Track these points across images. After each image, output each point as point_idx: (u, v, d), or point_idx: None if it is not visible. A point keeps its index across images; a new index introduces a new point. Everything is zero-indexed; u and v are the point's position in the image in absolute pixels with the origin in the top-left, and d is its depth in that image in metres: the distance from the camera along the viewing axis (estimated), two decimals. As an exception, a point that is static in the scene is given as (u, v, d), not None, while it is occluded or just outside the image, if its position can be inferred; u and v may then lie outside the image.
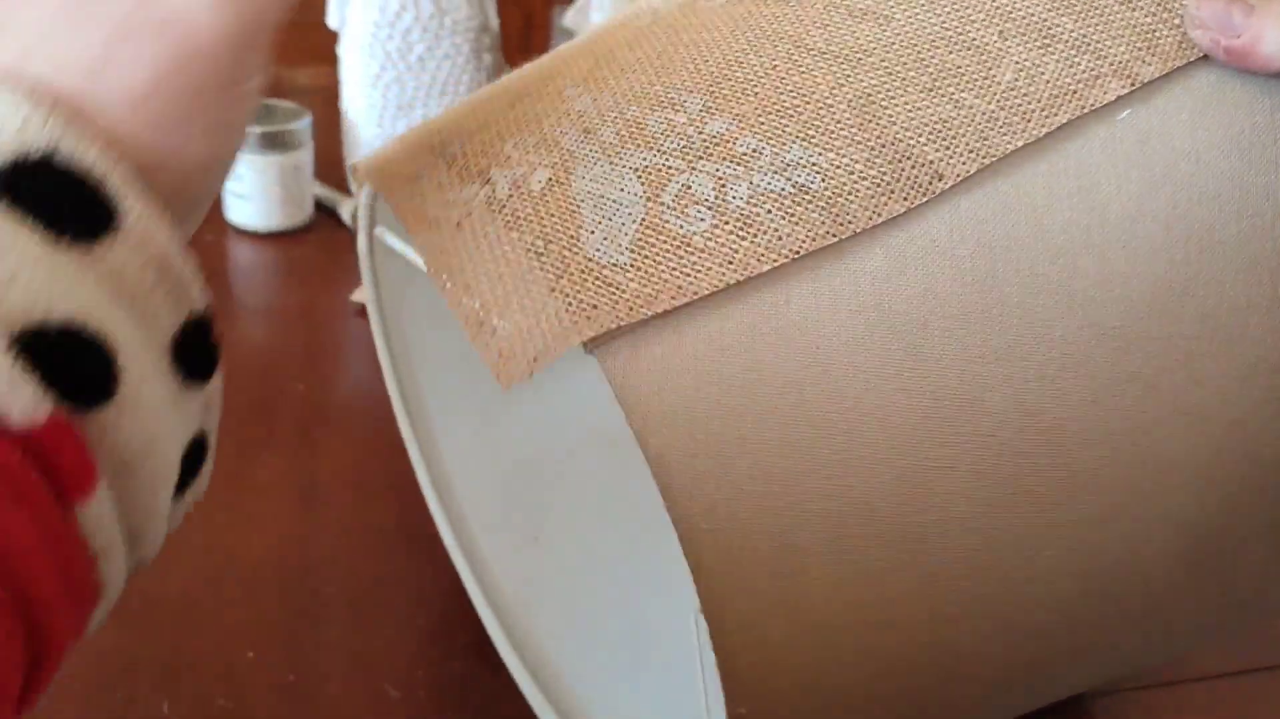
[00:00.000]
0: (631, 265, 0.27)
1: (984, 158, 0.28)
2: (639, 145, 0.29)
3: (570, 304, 0.26)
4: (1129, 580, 0.30)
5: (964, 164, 0.28)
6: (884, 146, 0.28)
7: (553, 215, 0.28)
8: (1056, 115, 0.28)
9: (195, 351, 0.23)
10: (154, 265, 0.22)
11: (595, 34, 0.34)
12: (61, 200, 0.20)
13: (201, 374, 0.24)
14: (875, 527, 0.27)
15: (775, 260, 0.27)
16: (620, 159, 0.28)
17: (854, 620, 0.28)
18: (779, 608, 0.27)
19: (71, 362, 0.19)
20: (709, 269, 0.26)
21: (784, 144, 0.28)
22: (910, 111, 0.28)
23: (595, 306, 0.26)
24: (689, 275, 0.26)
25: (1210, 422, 0.29)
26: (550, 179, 0.28)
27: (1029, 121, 0.28)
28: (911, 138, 0.28)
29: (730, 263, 0.27)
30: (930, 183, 0.28)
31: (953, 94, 0.29)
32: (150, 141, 0.22)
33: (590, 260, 0.27)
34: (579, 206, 0.28)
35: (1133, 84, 0.29)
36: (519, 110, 0.31)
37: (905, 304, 0.27)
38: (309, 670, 0.44)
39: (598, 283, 0.26)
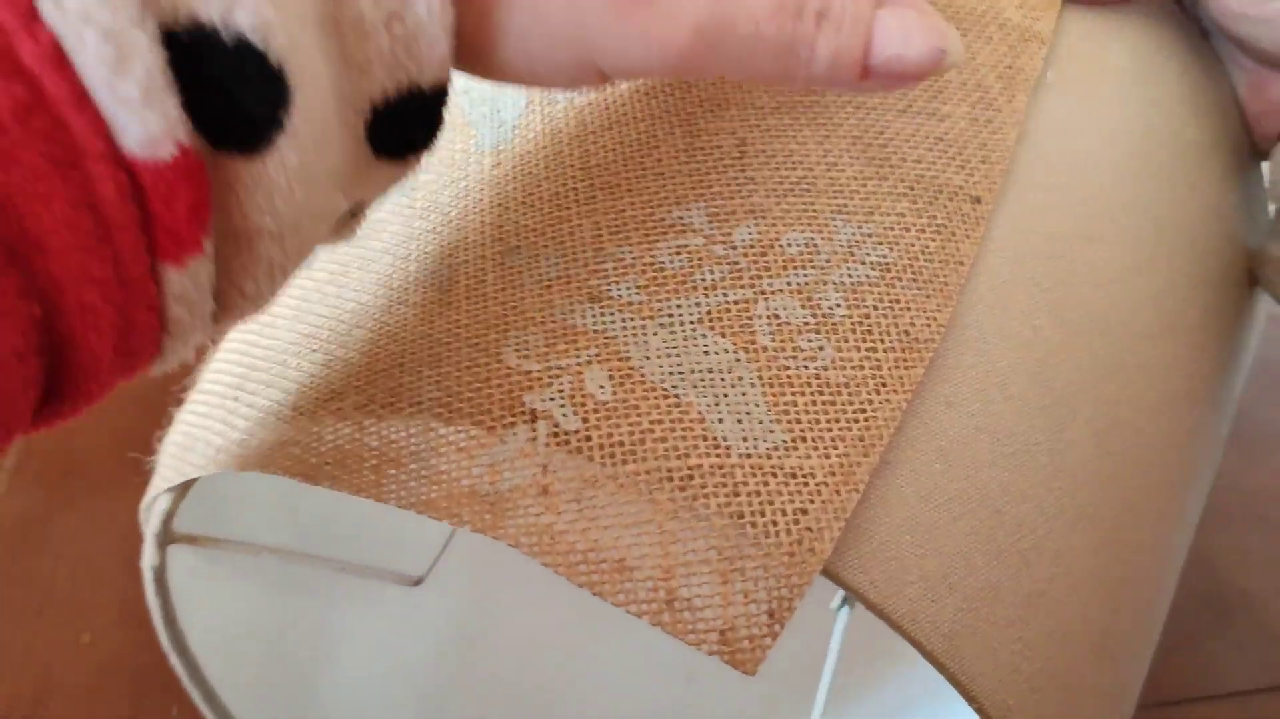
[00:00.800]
0: (796, 440, 0.20)
1: (996, 164, 0.25)
2: (677, 290, 0.22)
3: (771, 522, 0.19)
4: None
5: (987, 179, 0.25)
6: (912, 187, 0.24)
7: (659, 422, 0.20)
8: (1016, 96, 0.26)
9: (402, 128, 0.18)
10: (393, 7, 0.16)
11: (463, 182, 0.26)
12: None
13: (401, 152, 0.19)
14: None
15: (919, 362, 0.22)
16: (672, 316, 0.21)
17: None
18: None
19: (233, 91, 0.15)
20: (872, 404, 0.21)
21: (827, 225, 0.23)
22: (905, 140, 0.25)
23: (804, 511, 0.19)
24: (858, 422, 0.21)
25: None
26: (611, 375, 0.21)
27: (1001, 113, 0.26)
28: (926, 168, 0.24)
29: (884, 385, 0.21)
30: (973, 209, 0.24)
31: (924, 106, 0.25)
32: None
33: (747, 457, 0.20)
34: (678, 395, 0.20)
35: (1043, 44, 0.27)
36: (464, 310, 0.22)
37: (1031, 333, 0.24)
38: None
39: (780, 481, 0.20)
